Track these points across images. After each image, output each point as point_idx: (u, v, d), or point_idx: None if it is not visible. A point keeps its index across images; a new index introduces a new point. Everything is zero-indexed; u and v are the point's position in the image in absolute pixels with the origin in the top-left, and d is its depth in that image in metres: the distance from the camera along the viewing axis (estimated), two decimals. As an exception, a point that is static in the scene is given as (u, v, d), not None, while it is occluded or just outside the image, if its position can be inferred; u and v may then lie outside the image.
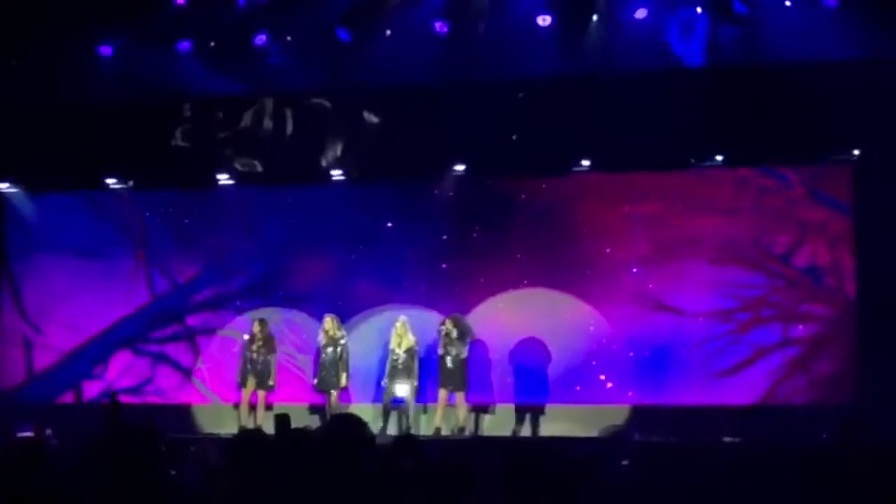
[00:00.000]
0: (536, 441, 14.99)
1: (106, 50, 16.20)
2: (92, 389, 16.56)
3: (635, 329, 15.51)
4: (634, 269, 15.59)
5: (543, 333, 15.75)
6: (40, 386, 16.78)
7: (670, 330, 15.43)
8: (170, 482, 5.53)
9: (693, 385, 15.24)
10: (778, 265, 15.22)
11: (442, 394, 15.11)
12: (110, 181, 16.93)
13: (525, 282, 15.90)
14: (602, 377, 15.59)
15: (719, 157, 15.45)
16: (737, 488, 6.93)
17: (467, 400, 15.27)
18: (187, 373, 16.60)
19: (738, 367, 15.20)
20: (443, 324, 15.23)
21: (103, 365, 16.70)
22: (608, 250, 15.73)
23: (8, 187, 17.22)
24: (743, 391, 15.05)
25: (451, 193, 16.25)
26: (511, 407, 15.66)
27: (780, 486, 6.63)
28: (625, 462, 7.95)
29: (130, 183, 16.98)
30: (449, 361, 15.07)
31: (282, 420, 10.63)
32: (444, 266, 16.13)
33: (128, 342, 16.78)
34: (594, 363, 15.63)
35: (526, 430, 15.48)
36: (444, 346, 15.09)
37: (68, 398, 16.65)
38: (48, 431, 13.67)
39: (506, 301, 15.95)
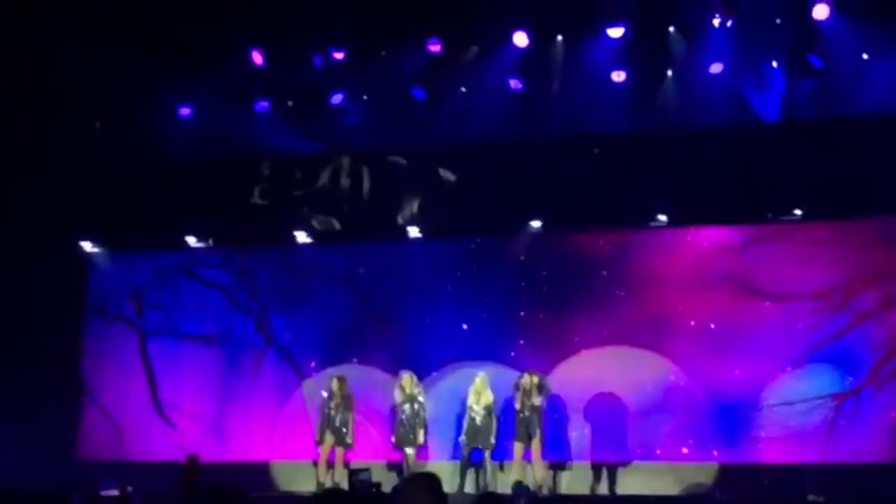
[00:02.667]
0: (614, 499, 14.83)
1: (186, 110, 16.48)
2: (170, 448, 16.68)
3: (717, 385, 15.32)
4: (713, 325, 15.43)
5: (622, 389, 15.64)
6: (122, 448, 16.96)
7: (753, 386, 15.21)
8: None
9: (777, 441, 15.00)
10: (868, 317, 14.97)
11: (517, 448, 14.99)
12: (190, 240, 17.14)
13: (604, 339, 15.80)
14: (683, 434, 15.42)
15: (798, 212, 15.28)
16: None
17: (544, 456, 15.14)
18: (265, 430, 16.69)
19: (822, 424, 14.97)
20: (520, 377, 15.16)
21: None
22: (687, 305, 15.57)
23: (91, 247, 17.49)
24: (828, 449, 14.78)
25: (527, 250, 16.24)
26: (588, 464, 15.52)
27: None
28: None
29: (210, 241, 17.19)
30: (525, 415, 14.98)
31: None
32: (521, 324, 16.09)
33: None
34: (675, 420, 15.45)
35: (603, 488, 15.32)
36: (521, 400, 15.00)
37: (148, 455, 16.77)
38: (129, 489, 13.78)
39: (584, 359, 15.85)
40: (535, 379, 15.04)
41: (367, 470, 14.24)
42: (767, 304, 15.31)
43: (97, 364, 17.40)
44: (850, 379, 14.87)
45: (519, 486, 13.85)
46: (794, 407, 15.03)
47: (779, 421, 15.08)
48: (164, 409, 17.04)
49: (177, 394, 17.09)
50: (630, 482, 15.13)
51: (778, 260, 15.41)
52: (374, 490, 10.92)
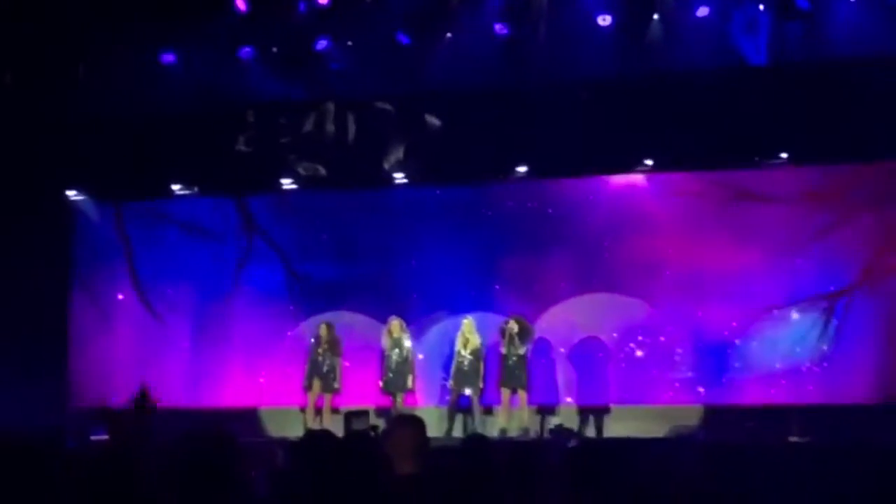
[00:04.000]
0: (600, 442, 14.94)
1: (169, 57, 16.37)
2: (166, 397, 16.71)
3: (703, 327, 15.44)
4: (701, 271, 15.47)
5: (608, 334, 15.75)
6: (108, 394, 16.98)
7: (739, 326, 15.32)
8: (245, 487, 5.58)
9: (760, 382, 15.11)
10: (842, 257, 15.05)
11: (504, 394, 15.11)
12: (176, 187, 17.11)
13: (590, 286, 15.89)
14: (667, 377, 15.54)
15: (784, 155, 15.29)
16: (804, 490, 6.89)
17: (530, 401, 15.25)
18: (253, 377, 16.76)
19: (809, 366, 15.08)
20: (505, 323, 15.23)
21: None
22: (672, 249, 15.63)
23: (76, 195, 17.45)
24: (813, 391, 14.89)
25: (513, 196, 16.26)
26: (575, 407, 15.64)
27: (846, 489, 6.56)
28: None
29: (196, 189, 17.17)
30: (510, 360, 15.06)
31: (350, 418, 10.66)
32: (508, 270, 16.13)
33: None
34: (659, 362, 15.57)
35: (591, 431, 15.44)
36: (507, 346, 15.09)
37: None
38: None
39: (570, 306, 15.95)
40: (520, 325, 15.12)
41: (365, 413, 14.36)
42: (752, 247, 15.36)
43: (84, 314, 17.40)
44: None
45: (559, 429, 13.99)
46: (780, 346, 15.15)
47: (764, 362, 15.19)
48: (153, 357, 17.07)
49: (164, 339, 17.13)
50: (616, 426, 15.25)
51: (766, 204, 15.44)
52: (373, 433, 10.96)
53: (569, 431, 14.17)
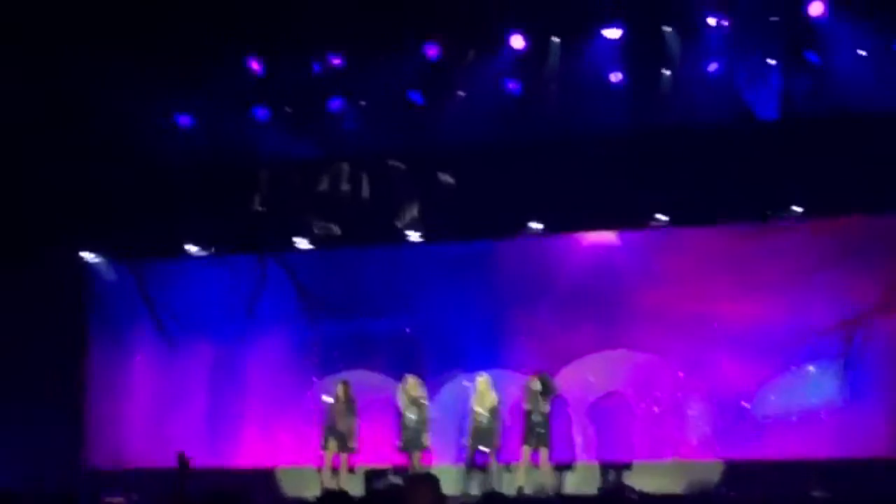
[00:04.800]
0: (622, 499, 14.83)
1: (184, 119, 16.50)
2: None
3: (722, 382, 15.36)
4: (715, 324, 15.44)
5: (626, 389, 15.71)
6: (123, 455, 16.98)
7: (757, 382, 15.25)
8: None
9: (780, 437, 15.02)
10: (865, 314, 14.99)
11: (525, 451, 15.03)
12: (191, 248, 17.18)
13: (606, 342, 15.85)
14: (687, 432, 15.46)
15: (796, 208, 15.29)
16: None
17: (551, 458, 15.18)
18: (270, 436, 16.72)
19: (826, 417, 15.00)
20: (529, 380, 15.18)
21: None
22: (686, 303, 15.59)
23: (92, 257, 17.53)
24: (833, 443, 14.80)
25: (527, 252, 16.29)
26: (595, 464, 15.56)
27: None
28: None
29: (212, 249, 17.24)
30: (534, 418, 15.00)
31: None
32: (524, 327, 16.12)
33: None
34: (678, 418, 15.50)
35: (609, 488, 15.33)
36: (531, 403, 15.02)
37: (152, 462, 16.77)
38: (134, 497, 13.80)
39: (587, 363, 15.90)
40: (543, 382, 15.07)
41: (384, 472, 14.32)
42: (766, 301, 15.32)
43: (101, 373, 17.42)
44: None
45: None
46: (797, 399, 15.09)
47: (781, 414, 15.10)
48: (169, 416, 17.06)
49: (179, 401, 17.12)
50: (636, 481, 15.14)
51: (777, 257, 15.43)
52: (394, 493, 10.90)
53: (630, 489, 13.90)
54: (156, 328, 17.44)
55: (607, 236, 16.17)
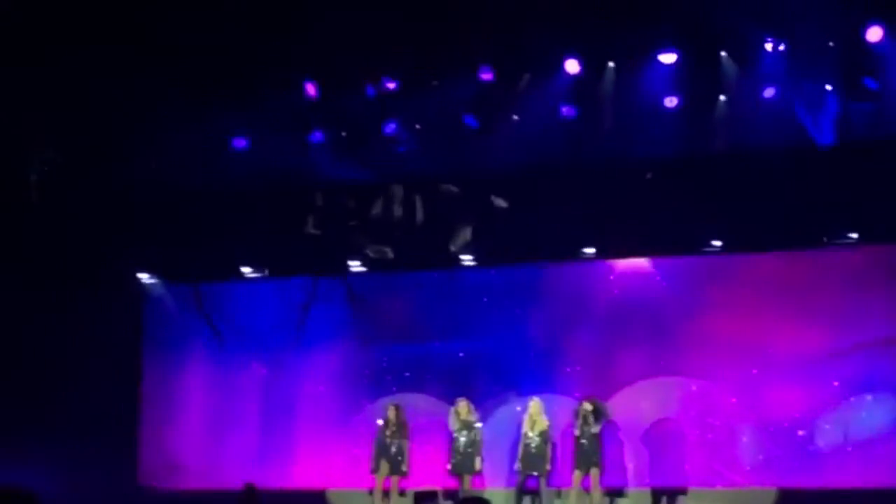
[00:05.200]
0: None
1: (240, 142, 16.63)
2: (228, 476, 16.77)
3: (776, 410, 15.24)
4: (769, 350, 15.33)
5: (679, 415, 15.62)
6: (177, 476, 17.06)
7: (812, 409, 15.12)
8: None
9: (835, 466, 14.87)
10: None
11: (576, 476, 14.98)
12: (246, 270, 17.30)
13: (659, 368, 15.77)
14: (741, 460, 15.34)
15: (854, 235, 15.19)
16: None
17: (601, 483, 15.10)
18: (322, 458, 16.75)
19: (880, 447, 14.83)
20: (580, 404, 15.15)
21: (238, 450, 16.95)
22: (742, 331, 15.48)
23: (148, 278, 17.69)
24: (888, 473, 14.62)
25: (581, 276, 16.27)
26: (647, 491, 15.46)
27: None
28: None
29: (266, 271, 17.34)
30: (584, 441, 14.94)
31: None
32: (576, 351, 16.07)
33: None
34: (732, 446, 15.38)
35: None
36: (581, 427, 14.98)
37: (207, 483, 16.83)
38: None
39: (639, 389, 15.83)
40: (595, 406, 15.03)
41: (434, 493, 14.30)
42: (822, 328, 15.21)
43: (154, 393, 17.56)
44: None
45: None
46: (852, 428, 14.93)
47: (838, 444, 14.95)
48: (222, 437, 17.15)
49: (235, 422, 17.20)
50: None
51: (832, 283, 15.32)
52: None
53: None
54: (210, 349, 17.53)
55: (661, 262, 16.09)
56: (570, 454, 15.09)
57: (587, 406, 15.00)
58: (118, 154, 16.53)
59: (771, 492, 14.96)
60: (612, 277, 16.32)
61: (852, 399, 15.07)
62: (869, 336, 15.04)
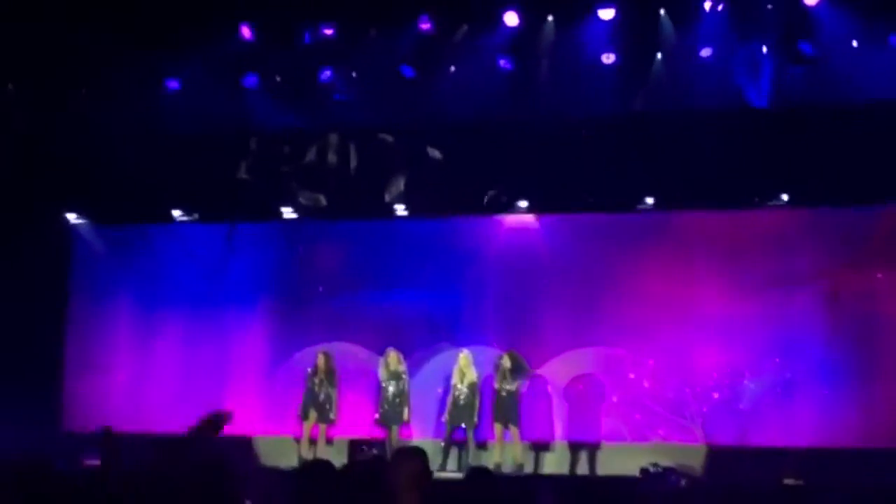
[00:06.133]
0: (592, 480, 14.92)
1: (173, 83, 16.40)
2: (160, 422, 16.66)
3: (701, 368, 15.42)
4: (698, 309, 15.49)
5: (604, 374, 15.76)
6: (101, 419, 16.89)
7: (736, 369, 15.32)
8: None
9: (757, 425, 15.10)
10: (842, 307, 15.07)
11: (497, 429, 15.10)
12: (176, 213, 17.13)
13: (588, 324, 15.87)
14: (661, 416, 15.53)
15: (784, 197, 15.36)
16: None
17: (523, 437, 15.23)
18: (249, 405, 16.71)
19: (800, 408, 15.08)
20: (500, 358, 15.24)
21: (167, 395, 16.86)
22: (671, 289, 15.62)
23: (76, 219, 17.46)
24: (807, 432, 14.87)
25: (512, 230, 16.31)
26: (572, 444, 15.63)
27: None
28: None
29: (196, 215, 17.20)
30: (502, 395, 15.05)
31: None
32: (505, 305, 16.13)
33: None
34: (654, 402, 15.56)
35: (584, 469, 15.40)
36: (499, 381, 15.09)
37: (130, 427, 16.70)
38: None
39: (566, 346, 15.94)
40: (513, 361, 15.12)
41: (368, 442, 14.35)
42: (749, 289, 15.39)
43: (80, 337, 17.36)
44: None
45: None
46: (770, 389, 15.17)
47: (764, 403, 15.18)
48: (147, 382, 17.03)
49: (161, 367, 17.08)
50: (609, 463, 15.21)
51: (762, 245, 15.48)
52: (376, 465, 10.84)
53: (673, 471, 13.68)
54: (137, 293, 17.36)
55: (594, 218, 16.14)
56: (489, 407, 15.18)
57: (506, 361, 15.09)
58: (50, 94, 16.23)
59: (700, 448, 15.14)
60: (544, 232, 16.35)
61: (777, 360, 15.27)
62: (795, 297, 15.24)
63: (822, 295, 15.19)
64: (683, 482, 12.34)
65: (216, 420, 6.07)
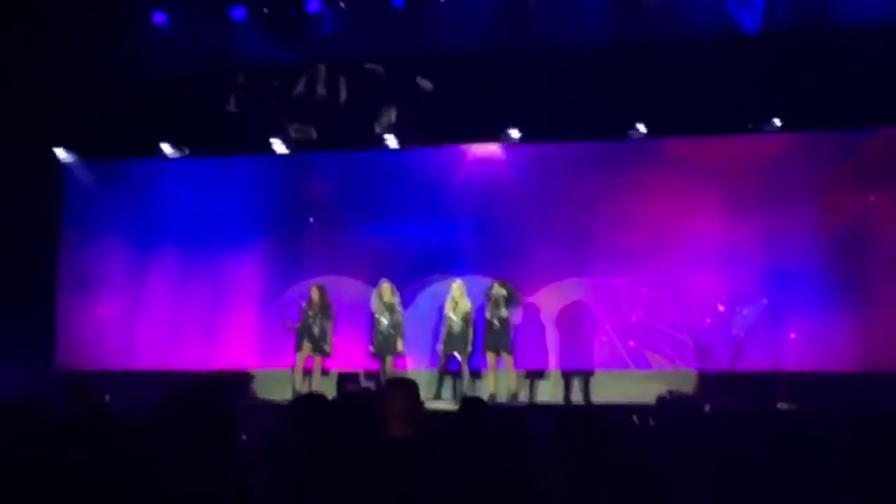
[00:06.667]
0: (585, 408, 14.98)
1: (160, 17, 16.26)
2: (152, 356, 16.70)
3: (698, 296, 15.45)
4: (692, 236, 15.49)
5: (597, 303, 15.78)
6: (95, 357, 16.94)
7: (728, 296, 15.35)
8: (239, 451, 5.57)
9: (751, 351, 15.16)
10: (835, 231, 15.06)
11: (490, 358, 15.14)
12: (166, 148, 17.06)
13: (582, 254, 15.86)
14: (656, 343, 15.59)
15: (777, 122, 15.30)
16: (790, 455, 6.91)
17: (517, 365, 15.28)
18: (244, 339, 16.77)
19: (794, 333, 15.12)
20: (490, 287, 15.25)
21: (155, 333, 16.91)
22: (666, 217, 15.60)
23: (65, 155, 17.38)
24: (801, 358, 14.93)
25: (505, 159, 16.27)
26: (565, 372, 15.70)
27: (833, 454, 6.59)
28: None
29: (186, 150, 17.13)
30: (494, 324, 15.07)
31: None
32: (500, 235, 16.12)
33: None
34: (649, 330, 15.61)
35: (577, 396, 15.48)
36: (491, 309, 15.11)
37: (123, 365, 16.74)
38: (107, 398, 13.75)
39: (560, 275, 15.94)
40: (505, 290, 15.12)
41: (356, 375, 14.40)
42: (744, 214, 15.37)
43: (72, 273, 17.35)
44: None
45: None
46: (764, 313, 15.22)
47: (752, 330, 15.23)
48: (141, 318, 17.06)
49: (156, 302, 17.10)
50: (604, 390, 15.28)
51: (756, 171, 15.45)
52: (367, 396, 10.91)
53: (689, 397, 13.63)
54: (129, 229, 17.32)
55: (586, 146, 16.07)
56: (482, 336, 15.23)
57: (497, 290, 15.09)
58: (35, 33, 16.08)
59: (690, 373, 15.22)
60: (536, 161, 16.30)
61: (772, 285, 15.29)
62: (789, 222, 15.23)
63: (816, 219, 15.15)
64: (707, 407, 12.33)
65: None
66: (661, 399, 12.89)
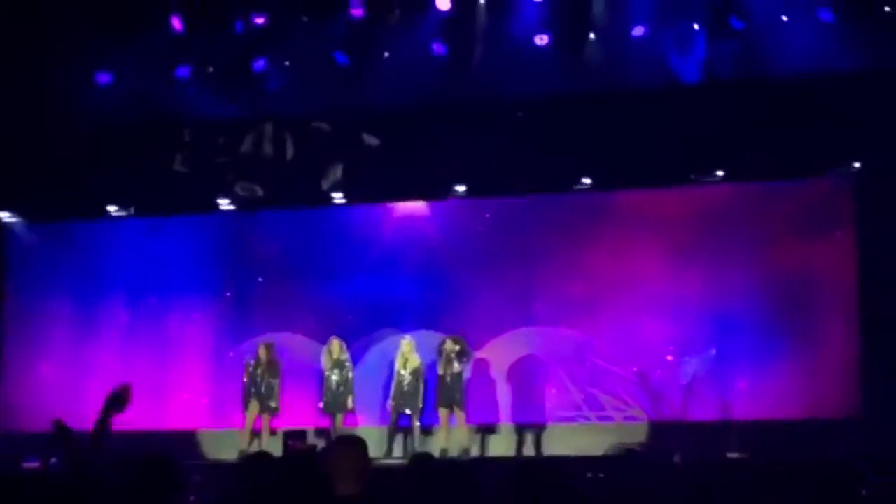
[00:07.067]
0: (539, 461, 14.93)
1: (104, 77, 16.20)
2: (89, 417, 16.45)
3: (643, 346, 15.49)
4: (638, 287, 15.56)
5: (547, 355, 15.79)
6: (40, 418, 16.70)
7: (675, 345, 15.42)
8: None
9: (700, 400, 15.21)
10: (780, 279, 15.19)
11: (442, 414, 15.10)
12: (111, 208, 16.95)
13: (531, 307, 15.90)
14: (606, 395, 15.60)
15: (720, 173, 15.46)
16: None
17: (469, 420, 15.25)
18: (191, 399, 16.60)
19: (742, 382, 15.20)
20: (442, 343, 15.23)
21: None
22: (611, 267, 15.66)
23: (9, 217, 17.23)
24: (749, 406, 14.99)
25: (451, 215, 16.32)
26: (515, 426, 15.67)
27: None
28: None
29: (132, 209, 17.03)
30: (447, 380, 15.05)
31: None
32: (448, 291, 16.12)
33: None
34: (599, 382, 15.63)
35: (529, 450, 15.45)
36: (443, 365, 15.08)
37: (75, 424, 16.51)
38: (53, 461, 13.57)
39: (508, 329, 15.95)
40: (458, 346, 15.11)
41: (302, 433, 14.29)
42: (688, 265, 15.47)
43: (16, 335, 17.14)
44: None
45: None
46: (711, 363, 15.30)
47: (700, 380, 15.28)
48: (85, 379, 16.84)
49: (101, 363, 16.90)
50: (555, 443, 15.26)
51: (699, 221, 15.57)
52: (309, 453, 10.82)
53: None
54: (74, 290, 17.15)
55: (533, 199, 16.15)
56: (433, 392, 15.19)
57: (449, 345, 15.08)
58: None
59: (642, 425, 15.24)
60: (486, 216, 16.36)
61: (718, 334, 15.37)
62: (733, 271, 15.34)
63: (761, 267, 15.27)
64: (676, 458, 12.31)
65: (117, 397, 5.98)
66: (629, 451, 12.84)
